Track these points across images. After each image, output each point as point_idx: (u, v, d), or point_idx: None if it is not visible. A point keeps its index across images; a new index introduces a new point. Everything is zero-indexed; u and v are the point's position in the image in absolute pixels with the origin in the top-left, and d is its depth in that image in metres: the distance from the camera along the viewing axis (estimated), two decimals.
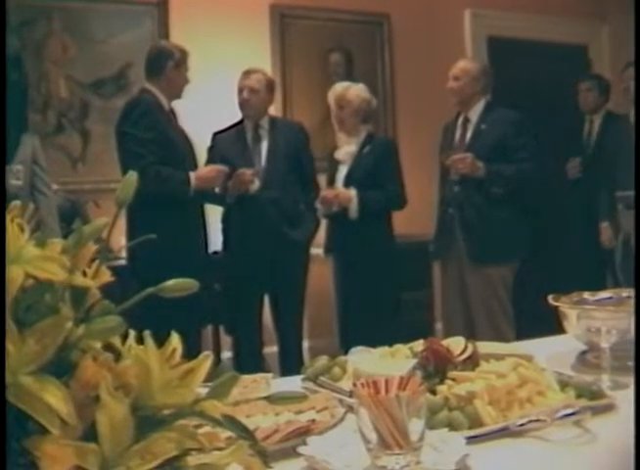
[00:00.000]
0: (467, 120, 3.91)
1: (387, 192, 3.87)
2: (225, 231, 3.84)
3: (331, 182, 3.99)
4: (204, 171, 3.57)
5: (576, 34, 6.23)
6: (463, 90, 3.87)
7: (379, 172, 3.85)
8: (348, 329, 3.89)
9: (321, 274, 4.13)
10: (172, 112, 3.64)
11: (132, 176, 0.69)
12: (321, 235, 3.99)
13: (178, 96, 3.64)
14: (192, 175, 3.48)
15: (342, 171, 3.93)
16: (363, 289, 3.81)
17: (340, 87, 3.97)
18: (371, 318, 3.74)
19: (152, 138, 3.40)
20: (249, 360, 3.69)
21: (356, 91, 3.93)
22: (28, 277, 0.59)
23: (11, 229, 0.60)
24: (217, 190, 3.71)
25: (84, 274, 0.65)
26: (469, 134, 3.88)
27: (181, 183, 3.45)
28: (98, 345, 0.62)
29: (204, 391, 0.65)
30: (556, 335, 1.67)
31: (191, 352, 0.66)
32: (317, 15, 5.22)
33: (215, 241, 3.87)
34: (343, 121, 3.93)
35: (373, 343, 1.53)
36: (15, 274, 0.57)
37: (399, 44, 5.50)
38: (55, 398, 0.55)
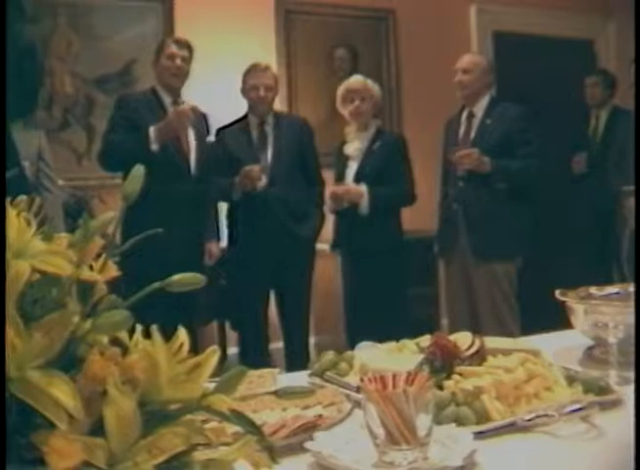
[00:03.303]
0: (472, 115, 3.89)
1: (397, 188, 3.85)
2: (231, 227, 3.84)
3: (340, 178, 3.95)
4: (163, 121, 3.39)
5: (582, 29, 6.20)
6: (472, 83, 3.84)
7: (389, 168, 3.82)
8: (355, 324, 3.88)
9: (327, 270, 4.13)
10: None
11: (138, 170, 0.68)
12: (327, 230, 3.98)
13: (178, 87, 3.59)
14: (151, 128, 3.37)
15: (352, 167, 3.89)
16: (370, 284, 3.80)
17: (358, 79, 3.93)
18: (377, 313, 3.72)
19: (120, 124, 3.46)
20: (254, 356, 3.68)
21: (372, 84, 3.92)
22: (35, 271, 0.59)
23: (17, 224, 0.60)
24: (219, 181, 3.65)
25: (91, 269, 0.64)
26: (474, 129, 3.86)
27: (139, 139, 3.34)
28: (105, 339, 0.62)
29: (210, 386, 0.64)
30: (563, 330, 1.67)
31: (191, 348, 0.66)
32: (322, 10, 5.21)
33: (221, 237, 3.87)
34: (362, 114, 3.86)
35: (380, 338, 1.52)
36: (21, 268, 0.57)
37: (405, 40, 5.48)
38: (62, 392, 0.55)
